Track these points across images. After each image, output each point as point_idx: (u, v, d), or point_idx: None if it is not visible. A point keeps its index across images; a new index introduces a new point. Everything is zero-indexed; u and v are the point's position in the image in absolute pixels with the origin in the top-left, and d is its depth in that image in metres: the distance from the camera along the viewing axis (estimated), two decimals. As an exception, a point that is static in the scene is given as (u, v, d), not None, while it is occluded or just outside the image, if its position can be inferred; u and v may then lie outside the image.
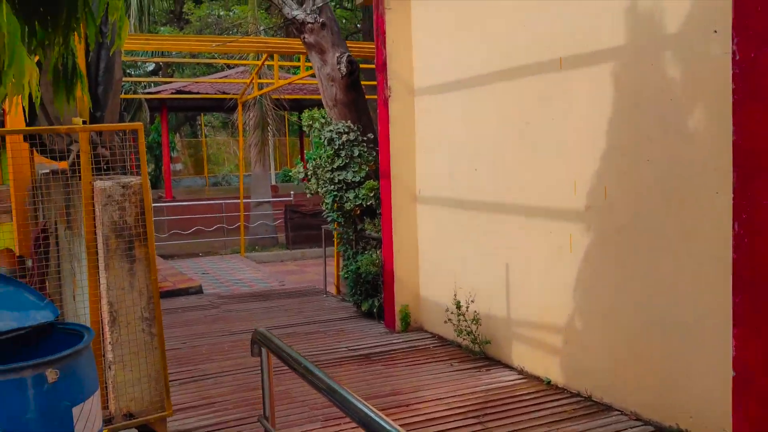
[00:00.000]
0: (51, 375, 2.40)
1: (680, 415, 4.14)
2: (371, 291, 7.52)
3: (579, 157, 4.78)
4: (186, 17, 24.42)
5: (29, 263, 6.62)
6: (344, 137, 7.71)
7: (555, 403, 4.85)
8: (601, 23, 4.55)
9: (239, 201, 14.21)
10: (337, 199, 7.71)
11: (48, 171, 6.67)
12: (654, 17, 4.18)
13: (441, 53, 6.40)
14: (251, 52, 12.56)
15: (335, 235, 9.23)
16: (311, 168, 8.26)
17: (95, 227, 3.91)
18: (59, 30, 2.70)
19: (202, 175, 27.21)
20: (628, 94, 4.38)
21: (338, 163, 7.69)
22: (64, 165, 4.97)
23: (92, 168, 4.05)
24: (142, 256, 3.95)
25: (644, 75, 4.26)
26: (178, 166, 27.89)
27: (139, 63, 23.29)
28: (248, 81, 13.22)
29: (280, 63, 13.43)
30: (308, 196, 8.55)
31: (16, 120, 8.35)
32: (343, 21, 20.80)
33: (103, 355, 3.97)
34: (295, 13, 8.18)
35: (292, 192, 16.84)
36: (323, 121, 7.99)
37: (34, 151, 7.54)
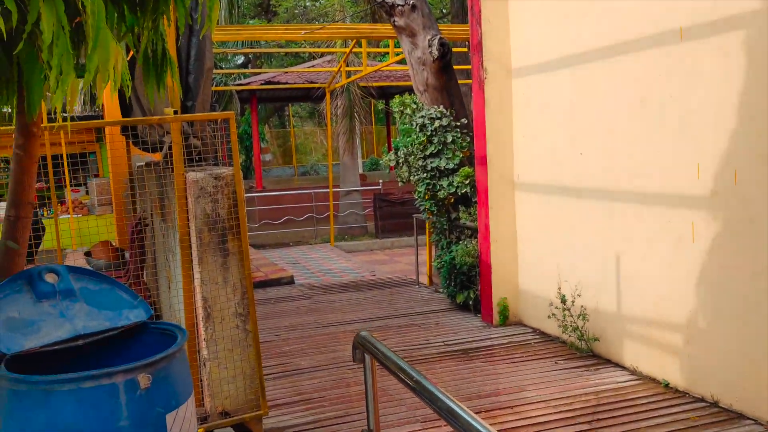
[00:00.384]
0: (143, 380, 2.25)
1: (829, 428, 3.65)
2: (466, 282, 7.22)
3: (703, 137, 4.31)
4: (273, 9, 24.67)
5: (127, 255, 6.70)
6: (437, 123, 7.42)
7: (675, 409, 4.42)
8: (731, -14, 4.05)
9: (328, 190, 14.16)
10: (430, 187, 7.43)
11: (143, 163, 6.71)
12: (797, -25, 3.67)
13: (542, 29, 5.99)
14: (339, 38, 12.43)
15: (427, 225, 8.97)
16: (402, 155, 8.01)
17: (188, 220, 3.79)
18: (148, 14, 2.54)
19: (291, 164, 27.54)
20: (765, 64, 3.87)
21: (431, 149, 7.41)
22: (158, 157, 4.93)
23: (184, 159, 3.94)
24: (235, 250, 3.81)
25: (784, 42, 3.75)
26: (268, 157, 28.34)
27: (229, 56, 23.72)
28: (336, 69, 13.10)
29: (368, 50, 13.25)
30: (399, 184, 8.30)
31: (112, 113, 8.52)
32: (431, 5, 20.43)
33: (198, 352, 3.87)
34: (384, -5, 7.93)
35: (380, 180, 16.69)
36: (414, 106, 7.71)
37: (130, 144, 7.64)
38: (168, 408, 2.34)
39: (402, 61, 17.11)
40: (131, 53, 3.35)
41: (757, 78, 3.92)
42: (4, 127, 2.99)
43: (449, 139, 7.37)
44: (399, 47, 10.11)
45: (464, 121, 7.65)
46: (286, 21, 22.51)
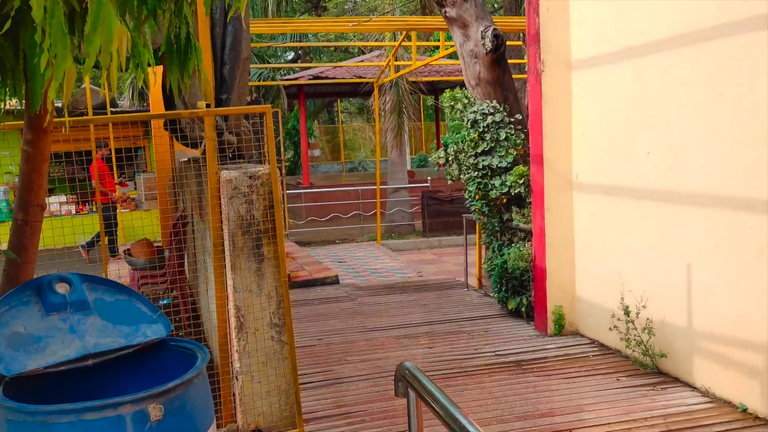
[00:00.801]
0: (154, 411, 1.97)
1: None
2: (519, 288, 6.81)
3: (793, 136, 3.83)
4: (323, 5, 24.50)
5: (166, 253, 6.52)
6: (489, 119, 7.02)
7: (756, 438, 3.97)
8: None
9: (375, 187, 13.86)
10: (481, 186, 7.04)
11: (186, 159, 6.49)
12: None
13: (605, 18, 5.54)
14: (388, 30, 12.10)
15: (477, 225, 8.58)
16: (452, 153, 7.64)
17: (221, 222, 3.52)
18: (170, -5, 2.26)
19: (339, 161, 27.37)
20: None
21: (483, 147, 7.02)
22: (199, 152, 4.70)
23: (218, 156, 3.67)
24: (270, 255, 3.52)
25: None
26: (316, 152, 28.25)
27: (279, 52, 23.66)
28: (384, 64, 12.78)
29: (418, 44, 12.89)
30: (449, 182, 7.94)
31: (156, 106, 8.38)
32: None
33: (231, 364, 3.59)
34: (435, -15, 7.56)
35: (429, 178, 16.31)
36: (466, 101, 7.33)
37: (173, 139, 7.45)
38: (183, 442, 2.05)
39: (453, 55, 16.70)
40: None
41: None
42: (10, 123, 2.77)
43: (502, 135, 6.97)
44: (450, 41, 9.72)
45: (518, 117, 7.23)
46: (336, 16, 22.30)
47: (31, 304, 2.31)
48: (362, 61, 16.85)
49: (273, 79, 14.98)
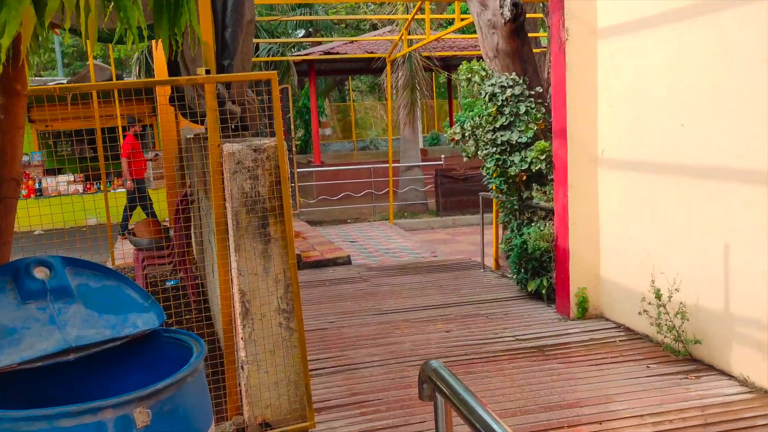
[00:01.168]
0: (141, 416, 1.70)
1: None
2: (539, 269, 6.52)
3: None
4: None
5: (172, 233, 6.26)
6: (509, 92, 6.68)
7: (802, 432, 3.67)
8: None
9: (388, 165, 13.55)
10: (500, 163, 6.72)
11: (192, 135, 6.20)
12: None
13: (635, -19, 5.17)
14: (402, 0, 11.68)
15: (494, 203, 8.26)
16: (468, 128, 7.31)
17: (224, 200, 3.24)
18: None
19: (351, 139, 27.04)
20: None
21: (501, 121, 6.69)
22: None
23: (221, 128, 3.38)
24: (277, 235, 3.24)
25: None
26: (327, 131, 27.91)
27: (289, 30, 23.23)
28: (397, 38, 12.40)
29: (432, 16, 12.50)
30: (464, 160, 7.61)
31: (161, 76, 8.08)
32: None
33: (236, 353, 3.33)
34: (451, -50, 7.18)
35: (442, 155, 15.96)
36: (483, 73, 6.99)
37: (179, 115, 7.16)
38: (175, 450, 1.78)
39: (467, 30, 16.24)
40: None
41: None
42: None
43: (522, 109, 6.64)
44: (465, 13, 9.34)
45: (539, 89, 6.89)
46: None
47: (6, 292, 2.05)
48: (374, 36, 16.44)
49: (283, 55, 14.62)
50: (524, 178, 6.68)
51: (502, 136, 6.69)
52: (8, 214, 2.10)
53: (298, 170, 14.23)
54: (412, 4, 11.69)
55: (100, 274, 2.24)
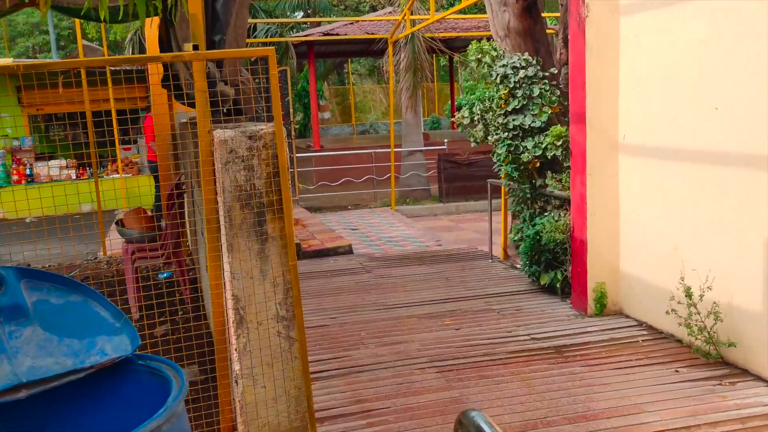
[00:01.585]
0: (102, 480, 1.33)
1: None
2: (553, 261, 6.15)
3: None
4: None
5: (163, 224, 5.89)
6: (521, 73, 6.28)
7: None
8: None
9: (389, 150, 13.15)
10: (512, 149, 6.33)
11: (186, 120, 5.81)
12: None
13: (664, -48, 4.76)
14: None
15: (502, 191, 7.89)
16: (478, 111, 6.92)
17: (216, 193, 2.86)
18: None
19: (350, 123, 26.60)
20: None
21: (514, 104, 6.29)
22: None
23: (212, 112, 2.99)
24: (276, 234, 2.87)
25: None
26: (327, 115, 27.47)
27: (288, 12, 22.70)
28: (400, 18, 11.95)
29: (435, -5, 12.04)
30: (473, 145, 7.22)
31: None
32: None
33: (230, 365, 2.97)
34: None
35: (446, 140, 15.55)
36: (494, 54, 6.58)
37: (173, 98, 6.75)
38: None
39: (470, 10, 15.74)
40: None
41: None
42: None
43: (536, 92, 6.24)
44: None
45: (553, 71, 6.49)
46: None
47: (-57, 312, 1.68)
48: (376, 16, 15.97)
49: (281, 36, 14.16)
50: (537, 165, 6.30)
51: (514, 120, 6.30)
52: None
53: (297, 155, 13.83)
54: (415, -17, 11.25)
55: (63, 287, 1.87)
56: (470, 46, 6.68)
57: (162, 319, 5.42)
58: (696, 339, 4.43)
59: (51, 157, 13.16)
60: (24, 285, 1.81)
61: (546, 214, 6.32)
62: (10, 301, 1.74)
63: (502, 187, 7.81)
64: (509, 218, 7.75)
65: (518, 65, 6.34)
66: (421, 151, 14.62)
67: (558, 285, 6.08)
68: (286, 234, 2.85)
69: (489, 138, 6.72)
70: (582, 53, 5.33)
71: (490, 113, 6.61)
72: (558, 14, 9.42)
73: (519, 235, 6.62)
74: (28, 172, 12.82)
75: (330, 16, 23.33)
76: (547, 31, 8.64)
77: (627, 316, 5.46)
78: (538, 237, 6.12)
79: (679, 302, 4.48)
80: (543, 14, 10.90)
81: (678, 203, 4.76)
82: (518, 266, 7.44)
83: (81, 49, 8.32)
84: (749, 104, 4.06)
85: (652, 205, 5.07)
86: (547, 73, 6.38)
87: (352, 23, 15.88)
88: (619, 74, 5.33)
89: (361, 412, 4.01)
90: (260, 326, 2.88)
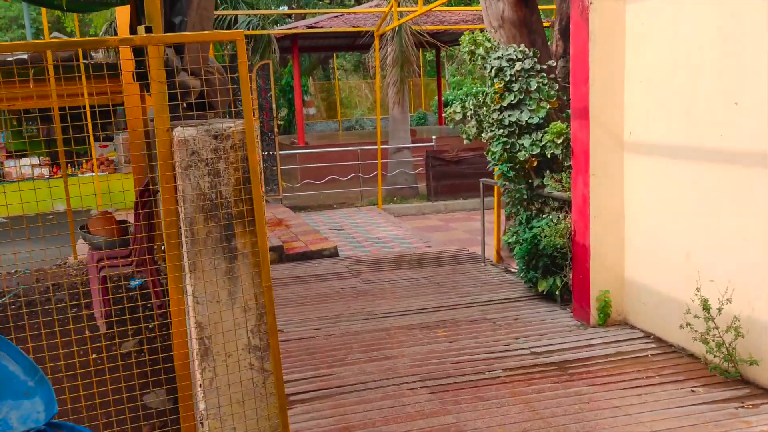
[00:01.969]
0: None
1: None
2: (551, 267, 5.78)
3: None
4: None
5: (132, 230, 5.44)
6: (517, 65, 5.88)
7: None
8: None
9: (376, 147, 12.72)
10: (507, 146, 5.94)
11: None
12: None
13: (676, -67, 4.38)
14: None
15: (496, 191, 7.50)
16: (471, 107, 6.52)
17: (176, 203, 2.43)
18: None
19: (335, 119, 26.15)
20: None
21: (509, 99, 5.89)
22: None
23: (174, 108, 2.56)
24: (247, 250, 2.44)
25: None
26: (311, 110, 26.98)
27: (271, 6, 22.19)
28: (387, 10, 11.52)
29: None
30: (465, 142, 6.82)
31: (127, 53, 7.19)
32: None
33: (195, 404, 2.55)
34: None
35: (434, 137, 15.14)
36: (489, 45, 6.17)
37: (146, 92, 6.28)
38: None
39: (458, 2, 15.32)
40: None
41: None
42: None
43: (533, 86, 5.84)
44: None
45: (552, 63, 6.10)
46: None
47: None
48: (362, 8, 15.52)
49: (263, 29, 13.68)
50: (535, 164, 5.91)
51: (509, 116, 5.90)
52: None
53: (281, 152, 13.37)
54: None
55: (-40, 333, 1.43)
56: (463, 37, 6.27)
57: (131, 332, 4.98)
58: (714, 356, 4.06)
59: (23, 155, 12.62)
60: None
61: (544, 216, 5.94)
62: None
63: (496, 187, 7.42)
64: (503, 219, 7.37)
65: (514, 57, 5.94)
66: (408, 148, 14.21)
67: (557, 292, 5.70)
68: (258, 250, 2.43)
69: (483, 135, 6.32)
70: (585, 44, 4.94)
71: (484, 108, 6.21)
72: (552, 6, 9.04)
73: (515, 237, 6.23)
74: (-2, 170, 12.28)
75: (314, 15, 22.86)
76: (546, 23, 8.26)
77: (633, 327, 5.09)
78: (535, 241, 5.73)
79: (696, 316, 4.10)
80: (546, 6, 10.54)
81: (691, 206, 4.39)
82: (512, 270, 7.07)
83: (47, 35, 7.82)
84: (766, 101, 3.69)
85: (662, 208, 4.69)
86: (544, 66, 5.99)
87: (337, 16, 15.43)
88: (624, 66, 4.94)
89: (348, 441, 3.60)
90: (229, 358, 2.47)
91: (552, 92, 5.87)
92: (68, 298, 5.83)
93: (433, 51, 22.54)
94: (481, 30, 6.67)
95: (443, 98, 25.63)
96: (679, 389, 4.00)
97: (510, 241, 6.46)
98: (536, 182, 5.99)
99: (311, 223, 11.03)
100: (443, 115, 6.95)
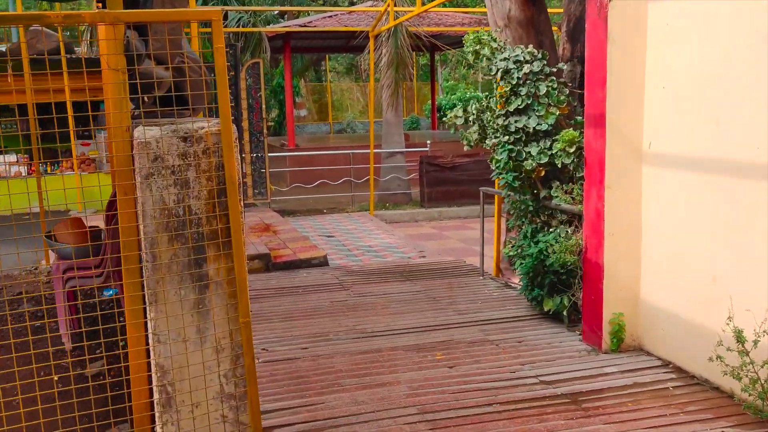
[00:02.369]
0: None
1: None
2: (558, 285, 5.36)
3: None
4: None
5: (104, 237, 4.97)
6: (526, 68, 5.47)
7: None
8: None
9: (369, 151, 12.28)
10: (513, 154, 5.52)
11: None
12: None
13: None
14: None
15: (496, 200, 7.09)
16: (474, 111, 6.11)
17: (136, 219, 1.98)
18: None
19: (327, 121, 25.71)
20: None
21: (516, 104, 5.48)
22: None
23: (139, 103, 2.12)
24: (221, 277, 2.00)
25: None
26: (303, 112, 26.53)
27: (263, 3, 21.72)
28: (383, 9, 11.10)
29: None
30: (465, 148, 6.41)
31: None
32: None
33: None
34: None
35: (428, 141, 14.72)
36: (495, 45, 5.76)
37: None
38: None
39: (458, 3, 14.90)
40: None
41: None
42: None
43: (542, 90, 5.43)
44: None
45: (562, 66, 5.69)
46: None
47: None
48: (356, 8, 15.09)
49: (254, 26, 13.22)
50: (542, 173, 5.49)
51: (516, 122, 5.48)
52: None
53: (270, 154, 12.90)
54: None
55: None
56: (466, 36, 5.85)
57: (98, 353, 4.52)
58: (749, 393, 3.64)
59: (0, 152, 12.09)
60: None
61: (551, 230, 5.52)
62: None
63: (497, 197, 7.01)
64: (503, 230, 6.95)
65: (522, 59, 5.52)
66: (402, 152, 13.78)
67: (564, 312, 5.29)
68: (235, 277, 1.99)
69: (486, 141, 5.91)
70: (602, 44, 4.53)
71: (489, 113, 5.79)
72: (558, 11, 8.66)
73: (519, 251, 5.81)
74: (-26, 167, 11.75)
75: (307, 14, 22.42)
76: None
77: (648, 353, 4.67)
78: (542, 256, 5.31)
79: (729, 348, 3.68)
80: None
81: (719, 225, 3.98)
82: (513, 284, 6.66)
83: (22, 34, 7.33)
84: (823, 108, 3.29)
85: (684, 226, 4.28)
86: (554, 69, 5.58)
87: (331, 16, 15.01)
88: (644, 70, 4.54)
89: (337, 488, 3.16)
90: (197, 409, 2.02)
91: (562, 97, 5.46)
92: (31, 309, 5.36)
93: (427, 54, 22.18)
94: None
95: (437, 102, 25.29)
96: (708, 430, 3.59)
97: (511, 254, 6.05)
98: (543, 193, 5.58)
99: (300, 229, 10.58)
100: (444, 119, 6.52)
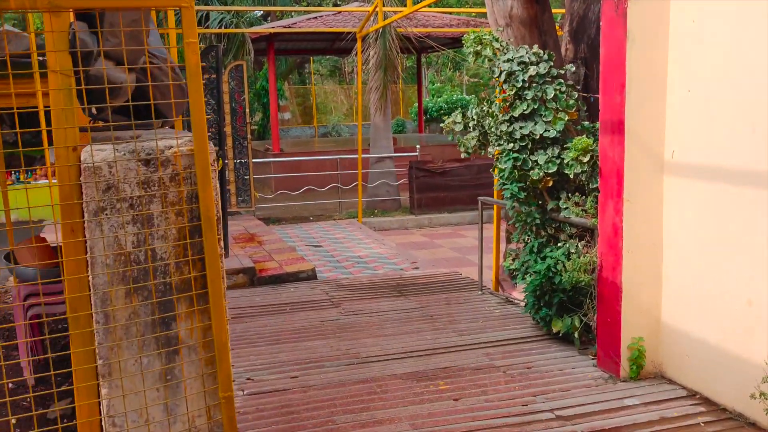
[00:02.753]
0: None
1: None
2: (568, 304, 4.96)
3: None
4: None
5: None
6: (531, 70, 5.05)
7: None
8: None
9: (356, 156, 11.84)
10: (519, 163, 5.10)
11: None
12: None
13: None
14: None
15: (495, 210, 6.69)
16: (474, 116, 5.69)
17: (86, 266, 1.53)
18: None
19: (311, 124, 25.24)
20: None
21: (521, 109, 5.06)
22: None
23: (92, 114, 1.67)
24: (196, 340, 1.54)
25: None
26: (287, 115, 26.03)
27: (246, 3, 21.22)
28: (371, 9, 10.66)
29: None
30: (463, 155, 6.00)
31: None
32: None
33: None
34: None
35: (417, 146, 14.30)
36: (497, 45, 5.34)
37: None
38: None
39: (449, 3, 14.50)
40: None
41: None
42: None
43: (550, 94, 5.02)
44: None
45: (570, 68, 5.29)
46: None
47: None
48: (342, 8, 14.65)
49: (236, 26, 12.73)
50: (550, 183, 5.09)
51: (521, 128, 5.07)
52: None
53: (255, 160, 12.42)
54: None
55: None
56: (466, 35, 5.43)
57: (66, 387, 4.04)
58: (798, 436, 3.25)
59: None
60: None
61: (559, 245, 5.12)
62: None
63: (495, 206, 6.61)
64: (503, 242, 6.54)
65: (527, 60, 5.11)
66: (390, 157, 13.34)
67: (575, 334, 4.88)
68: (213, 339, 1.55)
69: (489, 149, 5.49)
70: (621, 44, 4.12)
71: (491, 118, 5.38)
72: (560, 11, 8.27)
73: (523, 267, 5.40)
74: (-59, 175, 11.13)
75: (291, 15, 21.93)
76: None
77: (671, 381, 4.27)
78: (550, 274, 4.91)
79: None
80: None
81: (756, 243, 3.58)
82: (513, 300, 6.25)
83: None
84: None
85: (713, 243, 3.89)
86: (562, 71, 5.18)
87: (315, 18, 14.55)
88: (666, 72, 4.14)
89: None
90: None
91: (571, 101, 5.05)
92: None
93: (413, 57, 21.78)
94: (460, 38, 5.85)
95: (424, 105, 24.91)
96: (752, 477, 3.19)
97: (512, 267, 5.64)
98: (551, 205, 5.17)
99: (286, 239, 10.11)
100: (441, 125, 6.10)
